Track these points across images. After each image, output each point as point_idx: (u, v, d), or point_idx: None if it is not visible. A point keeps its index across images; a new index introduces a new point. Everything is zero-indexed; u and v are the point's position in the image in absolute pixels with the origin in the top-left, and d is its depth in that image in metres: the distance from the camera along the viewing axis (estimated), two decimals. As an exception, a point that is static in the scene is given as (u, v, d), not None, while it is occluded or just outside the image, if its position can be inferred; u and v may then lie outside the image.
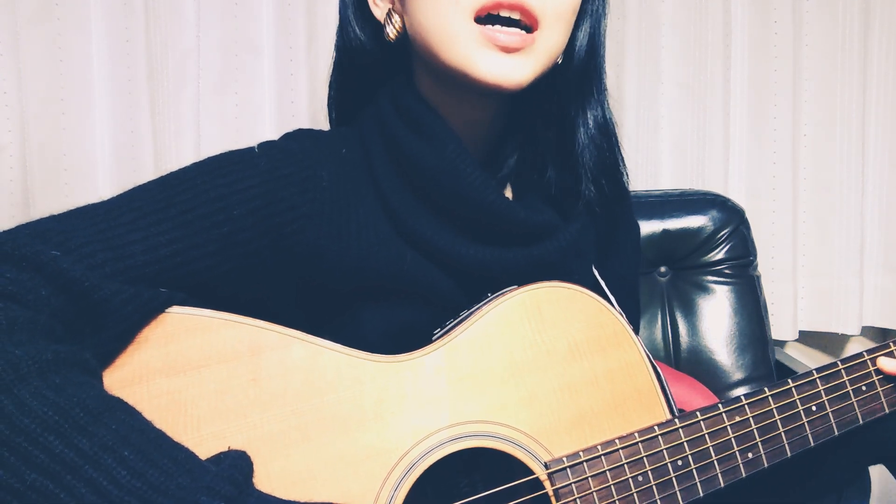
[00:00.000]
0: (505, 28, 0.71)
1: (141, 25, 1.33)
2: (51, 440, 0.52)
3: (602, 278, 0.88)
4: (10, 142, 1.31)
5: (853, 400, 0.84)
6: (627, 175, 0.88)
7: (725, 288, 1.46)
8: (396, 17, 0.79)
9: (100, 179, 1.35)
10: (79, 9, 1.31)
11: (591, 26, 0.80)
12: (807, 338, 1.75)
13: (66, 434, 0.53)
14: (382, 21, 0.81)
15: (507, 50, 0.72)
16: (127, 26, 1.33)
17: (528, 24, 0.73)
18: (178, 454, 0.56)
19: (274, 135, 0.81)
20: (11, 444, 0.52)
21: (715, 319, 1.46)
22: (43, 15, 1.30)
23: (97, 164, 1.35)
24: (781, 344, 1.68)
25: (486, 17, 0.72)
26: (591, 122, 0.81)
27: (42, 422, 0.53)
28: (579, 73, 0.80)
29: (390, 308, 0.77)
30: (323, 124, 0.92)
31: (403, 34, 0.80)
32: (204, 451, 0.60)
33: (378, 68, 0.84)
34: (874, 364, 0.86)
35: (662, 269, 1.49)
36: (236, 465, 0.58)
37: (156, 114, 1.36)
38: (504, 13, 0.71)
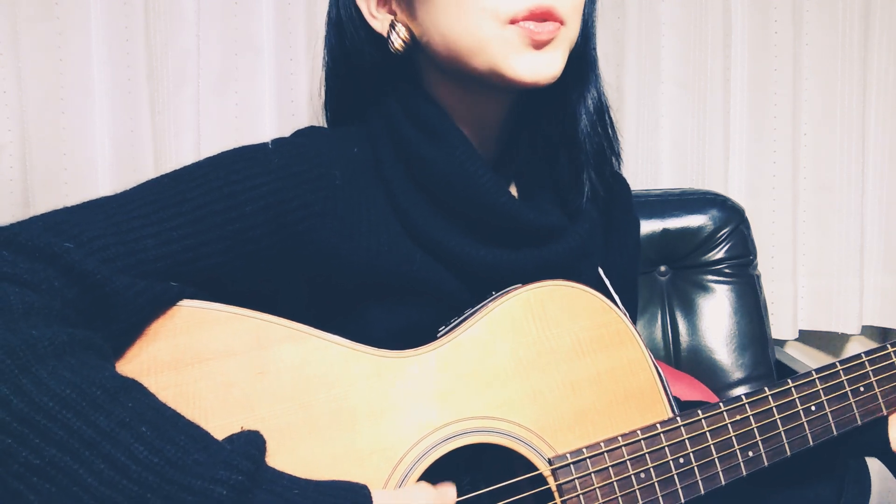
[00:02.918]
0: (539, 24, 0.71)
1: (141, 25, 1.33)
2: (69, 417, 0.53)
3: (606, 276, 0.88)
4: (10, 141, 1.31)
5: (851, 401, 0.85)
6: (621, 156, 0.89)
7: (725, 287, 1.46)
8: (402, 28, 0.78)
9: (100, 179, 1.35)
10: (79, 9, 1.31)
11: (585, 13, 0.81)
12: (807, 337, 1.75)
13: (84, 412, 0.53)
14: (385, 33, 0.80)
15: (541, 44, 0.72)
16: (127, 26, 1.33)
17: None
18: (194, 431, 0.57)
19: (274, 135, 0.81)
20: (31, 421, 0.52)
21: (715, 319, 1.46)
22: (43, 14, 1.29)
23: (97, 164, 1.35)
24: (781, 343, 1.68)
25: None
26: (591, 107, 0.82)
27: (60, 400, 0.53)
28: (577, 58, 0.80)
29: (397, 307, 0.78)
30: (323, 124, 0.92)
31: (411, 43, 0.79)
32: (210, 443, 0.59)
33: (378, 73, 0.83)
34: (871, 365, 0.86)
35: (662, 268, 1.49)
36: (251, 441, 0.59)
37: (156, 114, 1.35)
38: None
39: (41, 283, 0.60)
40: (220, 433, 0.60)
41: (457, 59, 0.75)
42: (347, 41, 0.83)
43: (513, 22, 0.71)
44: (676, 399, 0.81)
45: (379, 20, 0.80)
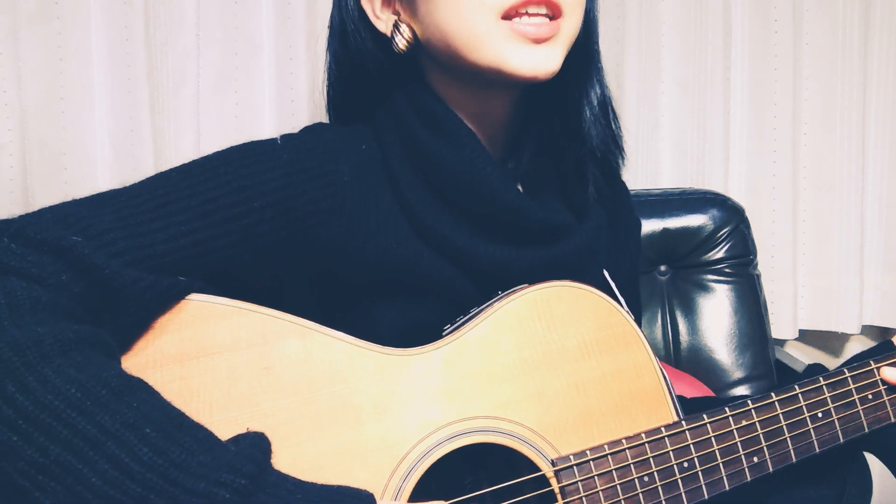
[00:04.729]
0: (533, 20, 0.72)
1: (141, 25, 1.33)
2: (74, 416, 0.53)
3: (610, 277, 0.88)
4: (9, 140, 1.30)
5: (859, 408, 0.84)
6: (624, 150, 0.89)
7: (725, 287, 1.46)
8: (405, 28, 0.79)
9: (100, 178, 1.35)
10: (79, 8, 1.30)
11: (587, 7, 0.81)
12: (807, 337, 1.75)
13: (89, 411, 0.53)
14: (389, 34, 0.80)
15: (538, 41, 0.72)
16: (126, 25, 1.33)
17: (551, 14, 0.73)
18: (199, 433, 0.57)
19: (274, 134, 0.80)
20: (36, 419, 0.52)
21: (715, 318, 1.46)
22: (43, 14, 1.29)
23: (97, 163, 1.34)
24: (781, 343, 1.68)
25: (512, 14, 0.72)
26: (594, 101, 0.82)
27: (65, 398, 0.53)
28: (579, 52, 0.81)
29: (403, 304, 0.78)
30: (325, 123, 0.91)
31: (414, 43, 0.79)
32: (216, 437, 0.59)
33: (382, 74, 0.83)
34: (881, 373, 0.86)
35: (662, 267, 1.49)
36: (256, 444, 0.59)
37: (156, 113, 1.35)
38: (532, 9, 0.72)
39: (49, 278, 0.60)
40: (224, 427, 0.60)
41: (456, 55, 0.75)
42: (351, 43, 0.83)
43: (509, 14, 0.71)
44: (681, 398, 0.81)
45: (383, 21, 0.81)
